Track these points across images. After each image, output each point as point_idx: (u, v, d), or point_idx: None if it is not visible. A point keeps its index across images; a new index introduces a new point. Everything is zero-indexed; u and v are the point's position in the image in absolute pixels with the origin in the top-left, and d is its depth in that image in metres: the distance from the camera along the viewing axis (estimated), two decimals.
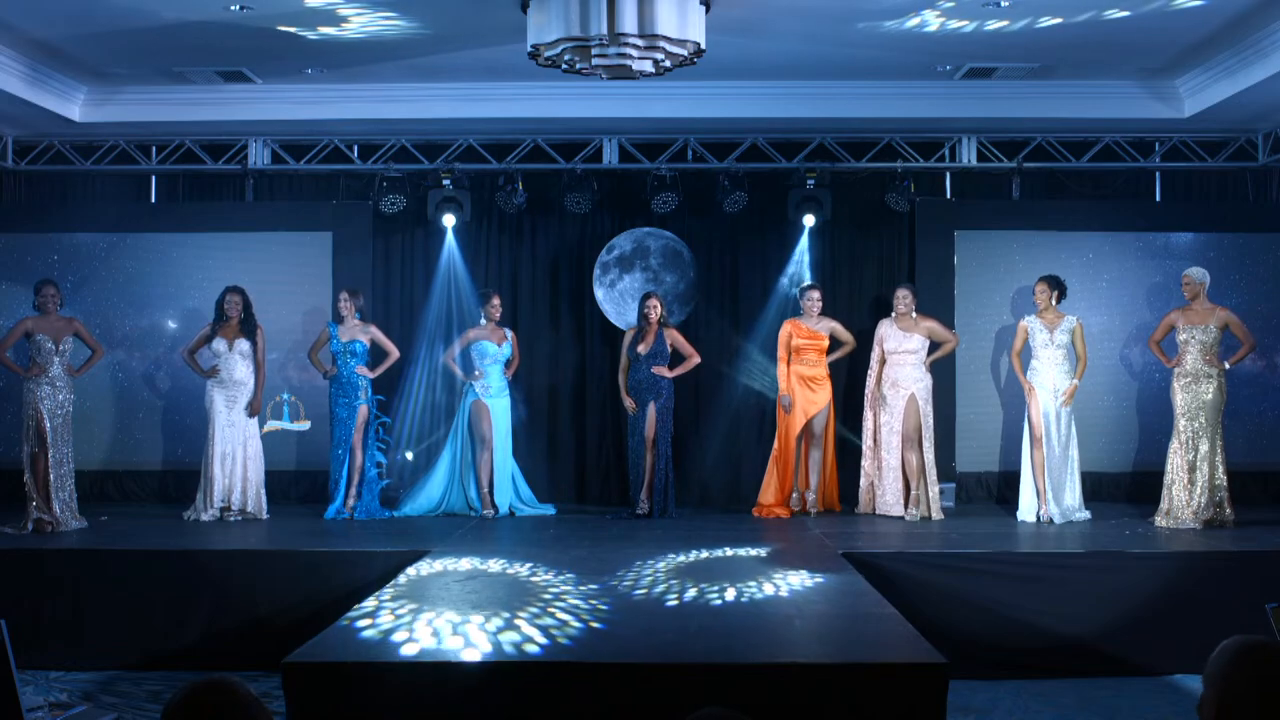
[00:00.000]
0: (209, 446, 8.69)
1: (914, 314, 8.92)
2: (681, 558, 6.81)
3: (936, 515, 8.59)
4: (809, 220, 9.67)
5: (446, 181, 9.60)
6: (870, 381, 8.97)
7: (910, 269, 9.93)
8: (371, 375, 8.95)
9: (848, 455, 9.32)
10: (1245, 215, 10.03)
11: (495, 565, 6.55)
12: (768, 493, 8.98)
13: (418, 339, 9.91)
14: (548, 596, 5.60)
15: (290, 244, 9.94)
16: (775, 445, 9.01)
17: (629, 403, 8.96)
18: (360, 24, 7.58)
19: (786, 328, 9.10)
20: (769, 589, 5.79)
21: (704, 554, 6.98)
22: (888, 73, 8.76)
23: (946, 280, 9.82)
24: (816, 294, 9.12)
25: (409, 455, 9.64)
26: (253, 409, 8.81)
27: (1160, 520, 8.21)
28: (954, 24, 7.58)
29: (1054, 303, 8.67)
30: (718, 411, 9.98)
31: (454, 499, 9.14)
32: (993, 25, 7.59)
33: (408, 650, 4.52)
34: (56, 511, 8.00)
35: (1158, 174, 10.09)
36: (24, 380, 8.13)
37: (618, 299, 9.99)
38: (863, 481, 9.00)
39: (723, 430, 9.97)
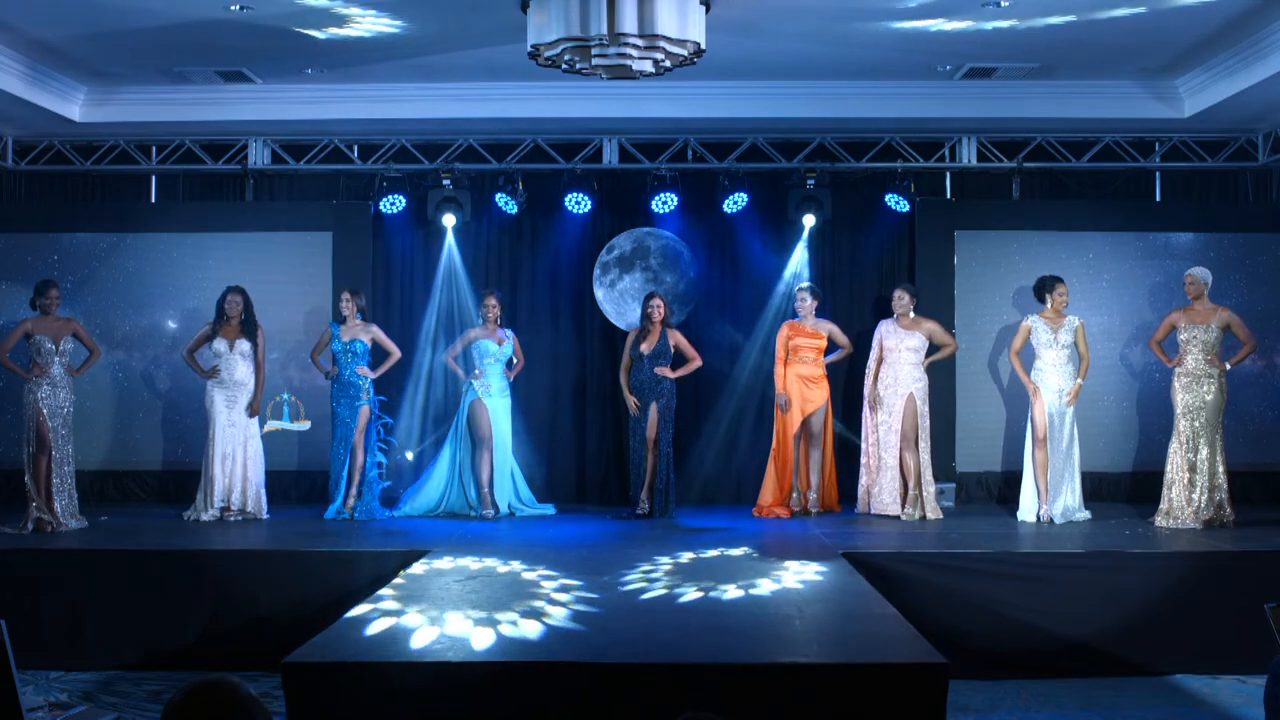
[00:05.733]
0: (209, 447, 8.69)
1: (911, 314, 8.91)
2: (682, 557, 6.81)
3: (933, 515, 8.59)
4: (809, 220, 9.66)
5: (446, 181, 9.60)
6: (868, 381, 8.97)
7: (910, 269, 9.93)
8: (372, 376, 8.94)
9: (847, 455, 9.32)
10: (1245, 215, 10.03)
11: (495, 565, 6.54)
12: (767, 493, 8.98)
13: (418, 339, 9.92)
14: (548, 596, 5.60)
15: (290, 244, 9.94)
16: (773, 445, 9.00)
17: (632, 402, 8.96)
18: (360, 24, 7.58)
19: (785, 329, 9.10)
20: (769, 589, 5.79)
21: (704, 554, 6.99)
22: (888, 73, 8.76)
23: (946, 280, 9.82)
24: (804, 294, 9.10)
25: (409, 455, 9.64)
26: (252, 409, 8.81)
27: (1160, 520, 8.21)
28: (954, 24, 7.58)
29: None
30: (718, 411, 9.97)
31: (453, 499, 9.13)
32: (993, 25, 7.59)
33: (408, 650, 4.52)
34: (57, 511, 8.00)
35: (1158, 174, 10.09)
36: (24, 381, 8.13)
37: (618, 299, 9.99)
38: (862, 481, 9.00)
39: (723, 430, 9.97)
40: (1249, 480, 9.41)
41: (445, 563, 6.61)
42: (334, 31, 7.71)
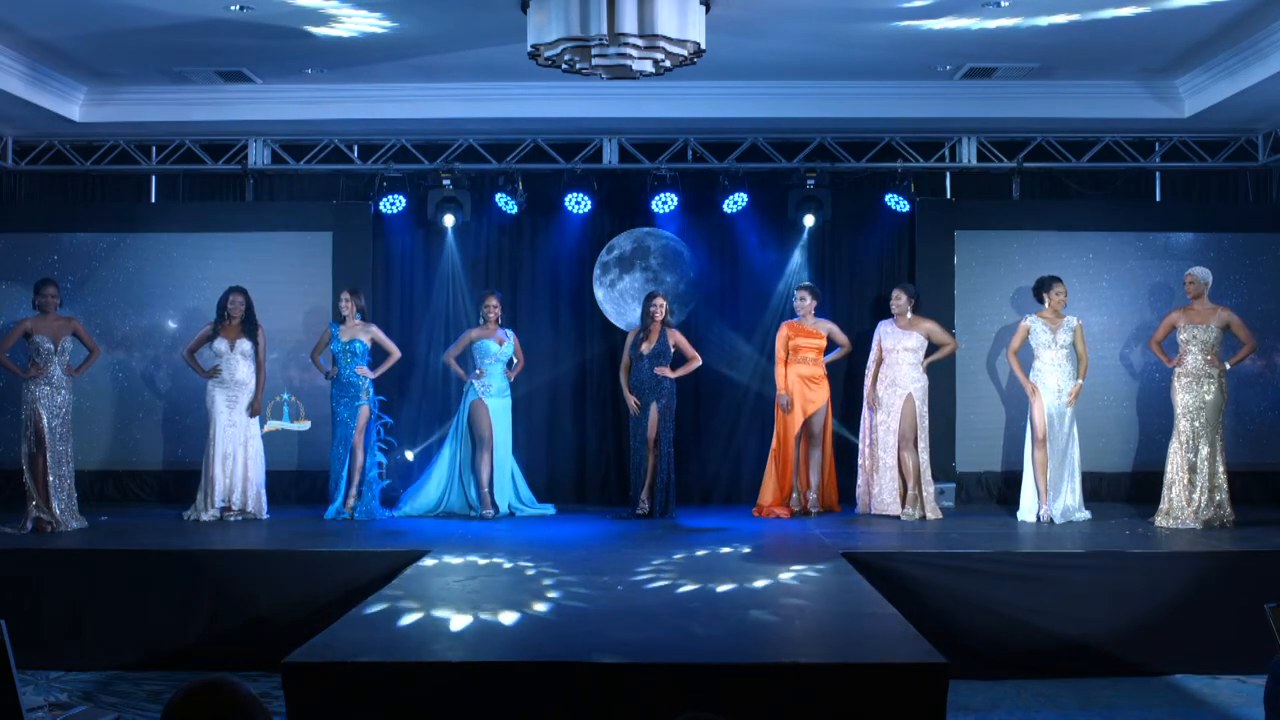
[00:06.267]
0: (210, 447, 8.69)
1: (909, 314, 8.90)
2: (682, 557, 6.81)
3: (933, 515, 8.59)
4: (809, 220, 9.66)
5: (446, 181, 9.60)
6: (868, 381, 8.96)
7: (910, 269, 9.93)
8: (372, 376, 8.94)
9: (847, 455, 9.32)
10: (1245, 215, 10.03)
11: (495, 565, 6.54)
12: (767, 493, 8.98)
13: (418, 339, 9.92)
14: (547, 596, 5.60)
15: (290, 244, 9.93)
16: (774, 445, 8.99)
17: (633, 402, 8.96)
18: (360, 24, 7.58)
19: (784, 329, 9.09)
20: (769, 589, 5.79)
21: (704, 554, 6.99)
22: (888, 73, 8.76)
23: (946, 280, 9.82)
24: (802, 293, 9.09)
25: (409, 455, 9.63)
26: (253, 409, 8.81)
27: (1160, 520, 8.21)
28: (954, 24, 7.57)
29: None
30: (718, 411, 9.97)
31: (453, 499, 9.13)
32: (993, 25, 7.59)
33: (408, 650, 4.52)
34: (56, 512, 7.99)
35: (1158, 174, 10.09)
36: (23, 380, 8.12)
37: (618, 299, 9.99)
38: (861, 481, 9.00)
39: (723, 430, 9.98)
40: (1249, 480, 9.40)
41: (445, 562, 6.61)
42: (334, 31, 7.71)
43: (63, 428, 8.16)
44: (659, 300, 9.02)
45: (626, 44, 6.42)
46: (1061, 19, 7.45)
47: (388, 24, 7.58)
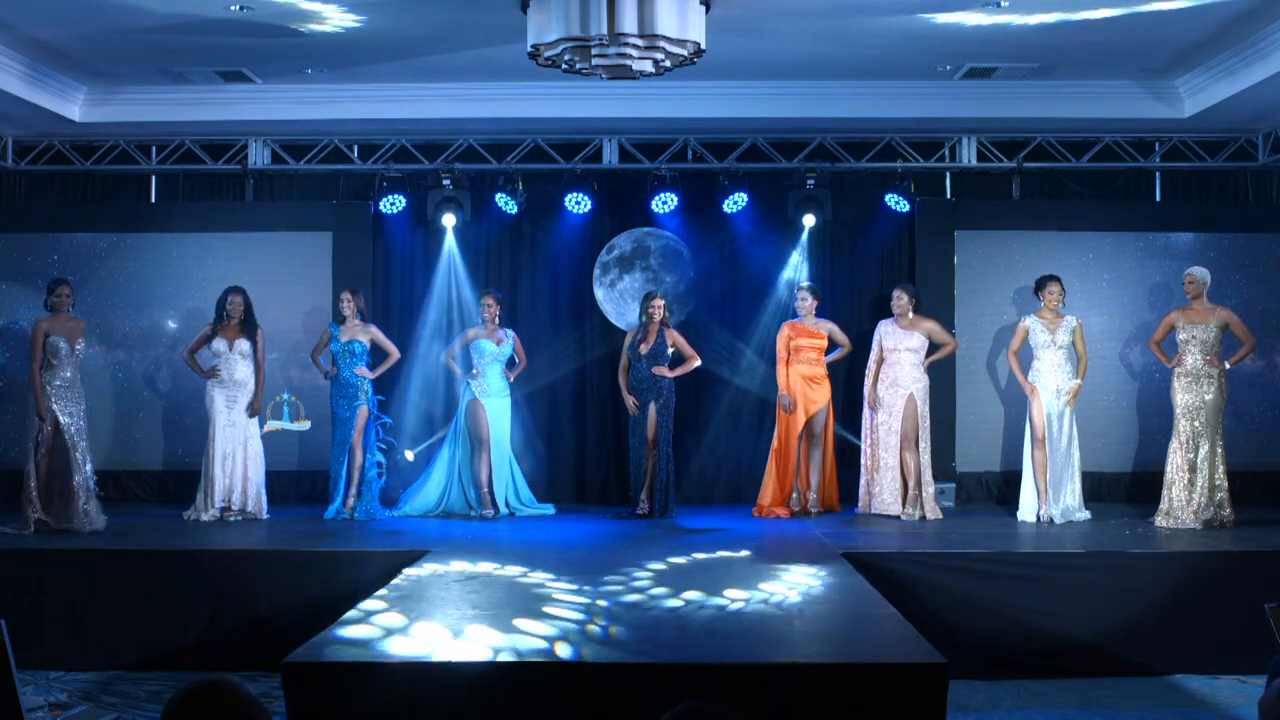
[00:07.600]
0: (209, 447, 8.68)
1: (911, 314, 8.90)
2: (681, 558, 6.81)
3: (933, 515, 8.59)
4: (809, 220, 9.67)
5: (446, 181, 9.61)
6: (868, 381, 8.96)
7: (910, 269, 9.93)
8: (371, 376, 8.94)
9: (847, 455, 9.32)
10: (1245, 215, 10.03)
11: (494, 566, 6.54)
12: (767, 493, 8.98)
13: (417, 339, 9.92)
14: (547, 597, 5.60)
15: (290, 244, 9.93)
16: (774, 444, 8.99)
17: (631, 402, 8.96)
18: (360, 23, 7.58)
19: (785, 329, 9.09)
20: (769, 589, 5.79)
21: (704, 554, 6.98)
22: (888, 73, 8.76)
23: (946, 280, 9.82)
24: (804, 293, 9.10)
25: (409, 455, 9.63)
26: (253, 409, 8.80)
27: (1160, 520, 8.21)
28: (953, 20, 7.56)
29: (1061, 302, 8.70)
30: (718, 411, 9.97)
31: (453, 499, 9.13)
32: (993, 25, 7.59)
33: (407, 650, 4.52)
34: (68, 512, 7.94)
35: (1158, 174, 10.09)
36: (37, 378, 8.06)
37: (618, 299, 9.99)
38: (862, 481, 9.00)
39: (723, 430, 9.98)
40: (1249, 480, 9.40)
41: (445, 563, 6.61)
42: (332, 27, 7.71)
43: (75, 427, 8.10)
44: (656, 301, 9.02)
45: (626, 44, 6.42)
46: (1061, 18, 7.45)
47: (387, 24, 7.58)
